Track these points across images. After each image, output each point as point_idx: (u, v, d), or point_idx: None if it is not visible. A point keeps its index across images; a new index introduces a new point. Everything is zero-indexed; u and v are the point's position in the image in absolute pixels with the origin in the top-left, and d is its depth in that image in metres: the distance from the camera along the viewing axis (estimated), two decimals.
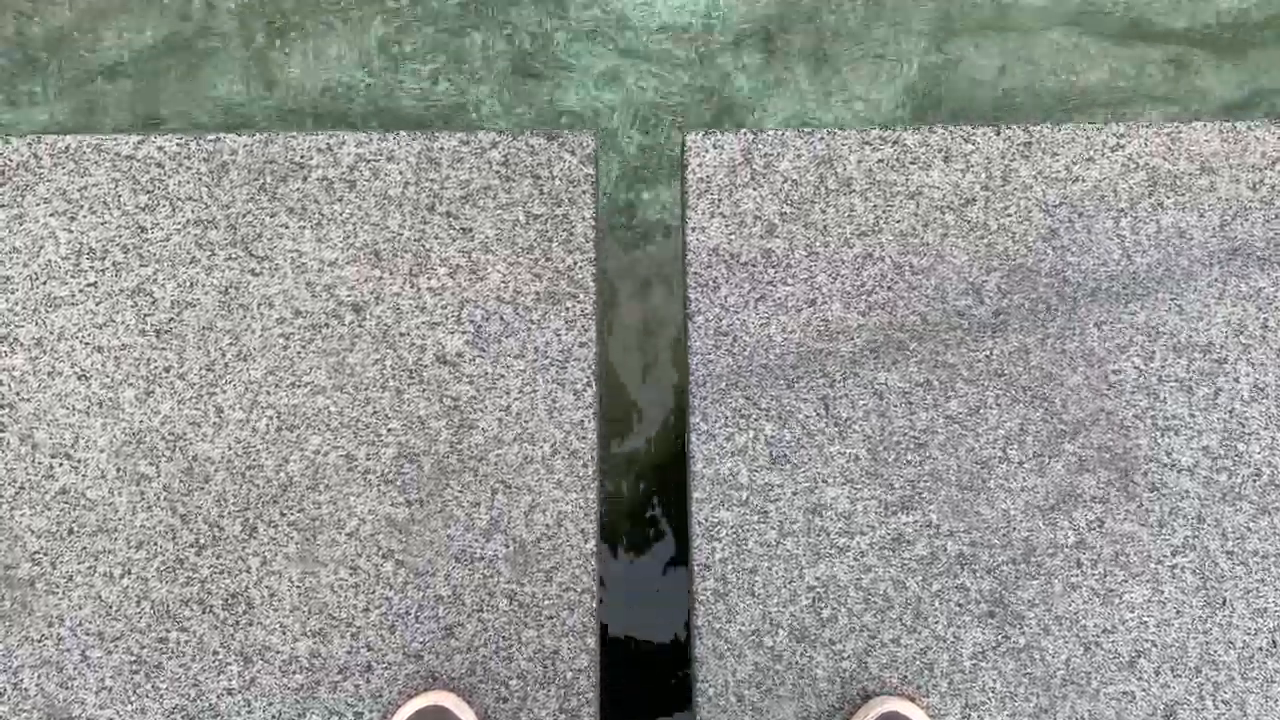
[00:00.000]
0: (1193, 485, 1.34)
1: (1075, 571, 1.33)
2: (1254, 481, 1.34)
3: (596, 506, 1.35)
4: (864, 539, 1.34)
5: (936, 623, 1.32)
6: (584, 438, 1.37)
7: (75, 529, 1.34)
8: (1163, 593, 1.32)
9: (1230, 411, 1.36)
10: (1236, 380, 1.37)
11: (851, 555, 1.33)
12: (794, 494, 1.35)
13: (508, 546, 1.34)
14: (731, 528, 1.34)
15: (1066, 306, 1.39)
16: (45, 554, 1.34)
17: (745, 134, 1.44)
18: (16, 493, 1.35)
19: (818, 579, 1.33)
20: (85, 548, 1.34)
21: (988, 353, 1.38)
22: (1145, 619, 1.32)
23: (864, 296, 1.40)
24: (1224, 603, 1.32)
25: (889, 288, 1.40)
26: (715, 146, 1.44)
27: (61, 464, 1.36)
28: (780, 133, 1.44)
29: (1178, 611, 1.32)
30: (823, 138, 1.44)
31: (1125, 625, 1.32)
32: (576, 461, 1.36)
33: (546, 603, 1.33)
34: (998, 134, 1.43)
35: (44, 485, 1.35)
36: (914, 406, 1.37)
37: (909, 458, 1.36)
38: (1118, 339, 1.38)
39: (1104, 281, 1.39)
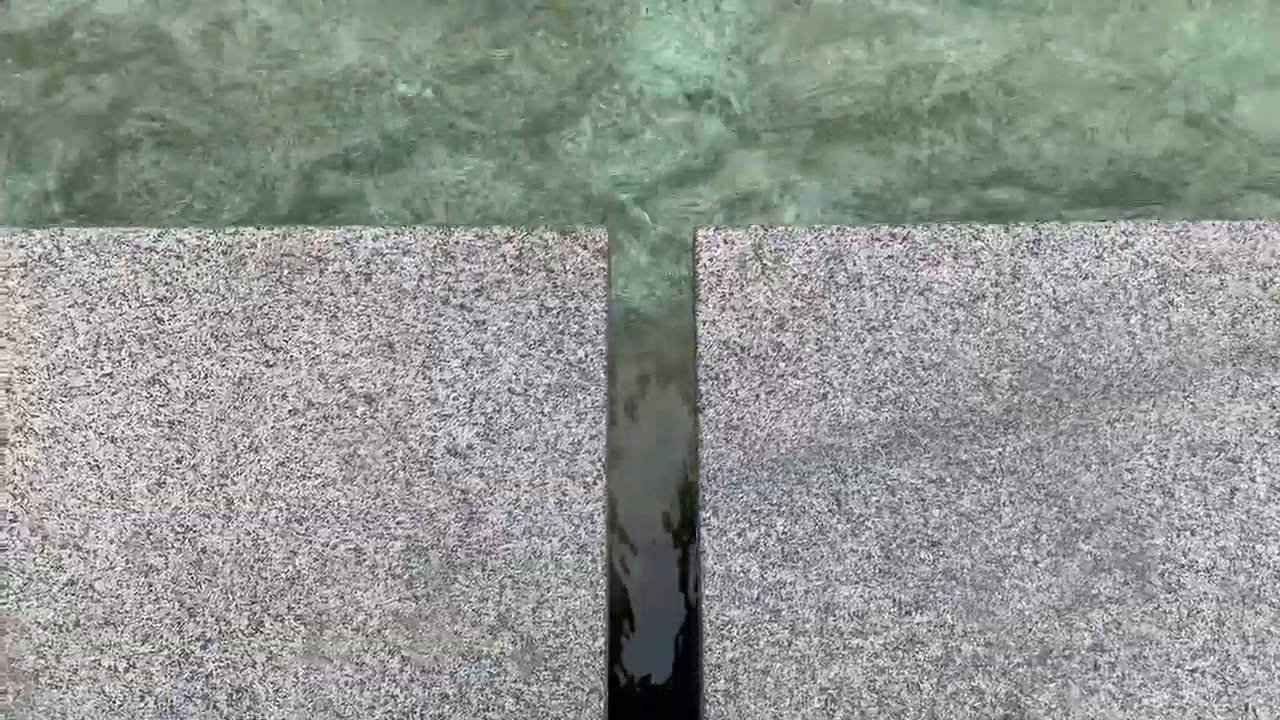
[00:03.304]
0: (1211, 587, 1.32)
1: (1093, 674, 1.30)
2: (1274, 584, 1.32)
3: (606, 603, 1.34)
4: (877, 639, 1.32)
5: None
6: (593, 532, 1.36)
7: (82, 621, 1.34)
8: (1183, 697, 1.30)
9: (1247, 511, 1.35)
10: (1253, 479, 1.36)
11: (865, 656, 1.31)
12: (806, 592, 1.33)
13: (515, 644, 1.32)
14: (742, 626, 1.32)
15: (1079, 403, 1.38)
16: (50, 647, 1.33)
17: (755, 229, 1.46)
18: (24, 583, 1.35)
19: (830, 680, 1.30)
20: (91, 640, 1.33)
21: (1000, 449, 1.37)
22: None
23: (875, 391, 1.40)
24: (1247, 709, 1.29)
25: (900, 383, 1.40)
26: (725, 241, 1.45)
27: (70, 555, 1.36)
28: (790, 229, 1.46)
29: (1199, 718, 1.29)
30: (832, 234, 1.45)
31: None
32: (585, 556, 1.35)
33: (554, 702, 1.31)
34: (1006, 231, 1.45)
35: (52, 576, 1.35)
36: (927, 503, 1.36)
37: (922, 556, 1.34)
38: (1131, 437, 1.37)
39: (1116, 379, 1.39)
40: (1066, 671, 1.30)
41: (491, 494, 1.37)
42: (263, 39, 2.08)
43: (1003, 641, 1.31)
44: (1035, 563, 1.34)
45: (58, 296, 1.44)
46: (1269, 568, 1.33)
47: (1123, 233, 1.44)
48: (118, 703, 1.31)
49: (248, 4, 2.09)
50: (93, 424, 1.39)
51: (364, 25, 2.09)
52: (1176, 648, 1.31)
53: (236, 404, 1.40)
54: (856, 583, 1.33)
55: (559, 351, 1.42)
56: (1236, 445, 1.37)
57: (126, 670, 1.32)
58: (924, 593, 1.33)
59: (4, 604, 1.34)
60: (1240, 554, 1.33)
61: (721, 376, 1.41)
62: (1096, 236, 1.44)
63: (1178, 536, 1.34)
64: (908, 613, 1.32)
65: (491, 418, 1.40)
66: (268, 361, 1.41)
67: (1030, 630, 1.32)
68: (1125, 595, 1.33)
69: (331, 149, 2.03)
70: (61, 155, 2.01)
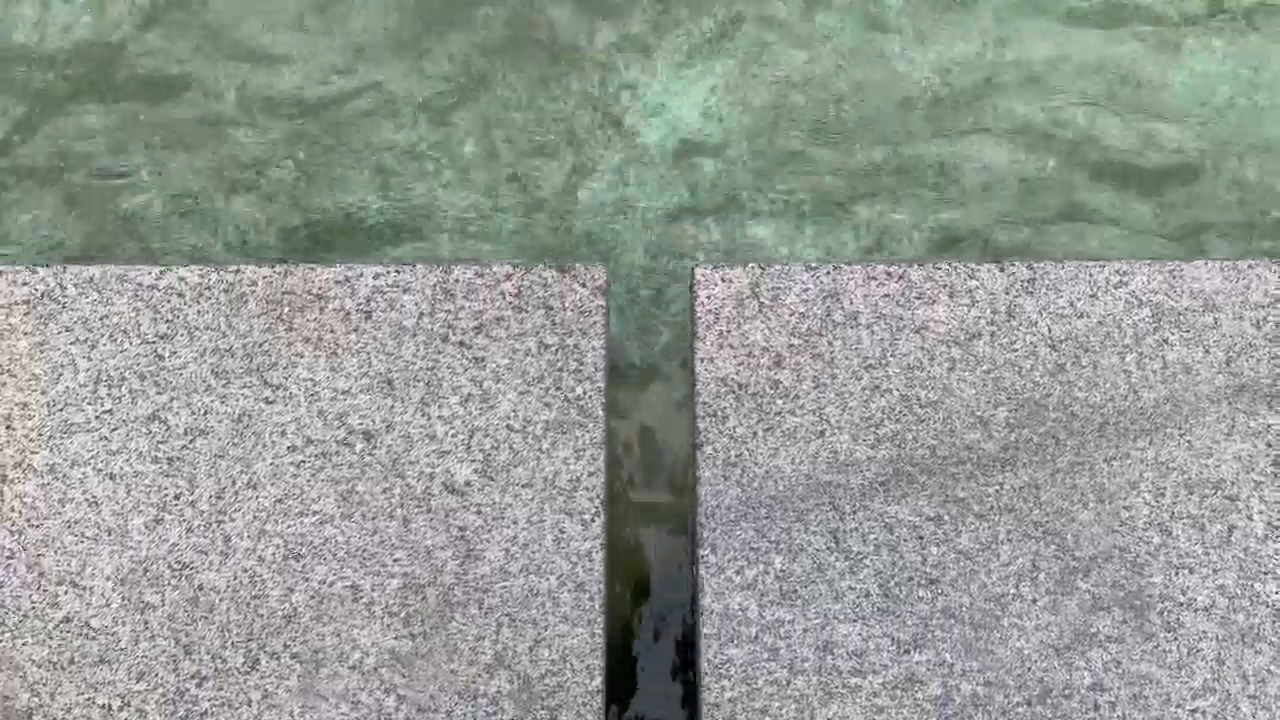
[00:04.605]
0: (1210, 625, 1.32)
1: (1093, 714, 1.29)
2: (1273, 622, 1.32)
3: (603, 642, 1.33)
4: (876, 678, 1.31)
5: None
6: (591, 570, 1.36)
7: (76, 659, 1.33)
8: None
9: (1245, 550, 1.35)
10: (1250, 518, 1.36)
11: (864, 695, 1.30)
12: (805, 631, 1.33)
13: (512, 683, 1.31)
14: (741, 665, 1.32)
15: (1075, 441, 1.39)
16: (44, 684, 1.32)
17: (753, 267, 1.47)
18: (20, 620, 1.34)
19: None
20: (85, 679, 1.32)
21: (997, 487, 1.38)
22: None
23: (872, 429, 1.40)
24: None
25: (897, 420, 1.41)
26: (723, 279, 1.47)
27: (67, 592, 1.35)
28: (786, 266, 1.47)
29: None
30: (829, 271, 1.47)
31: None
32: (583, 595, 1.35)
33: None
34: (1001, 270, 1.46)
35: (48, 614, 1.35)
36: (925, 541, 1.36)
37: (920, 594, 1.34)
38: (1128, 474, 1.38)
39: (1112, 417, 1.40)
40: (1066, 711, 1.30)
41: (489, 531, 1.37)
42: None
43: (1002, 680, 1.31)
44: (1034, 601, 1.34)
45: (59, 333, 1.44)
46: (1268, 606, 1.33)
47: (1117, 272, 1.46)
48: None
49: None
50: (92, 460, 1.40)
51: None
52: (1177, 687, 1.30)
53: (235, 441, 1.40)
54: (855, 621, 1.33)
55: (558, 388, 1.43)
56: (1233, 483, 1.37)
57: (121, 709, 1.31)
58: (923, 631, 1.33)
59: None
60: (1239, 592, 1.33)
61: (719, 413, 1.41)
62: (1090, 275, 1.45)
63: (1176, 575, 1.34)
64: (906, 651, 1.32)
65: (490, 454, 1.40)
66: (267, 398, 1.42)
67: (1029, 669, 1.31)
68: (1124, 634, 1.32)
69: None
70: None
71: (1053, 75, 2.07)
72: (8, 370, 1.43)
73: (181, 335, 1.44)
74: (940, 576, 1.35)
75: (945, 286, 1.45)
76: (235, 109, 2.09)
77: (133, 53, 2.11)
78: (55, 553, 1.36)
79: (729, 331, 1.44)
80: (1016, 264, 1.46)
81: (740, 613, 1.33)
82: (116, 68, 2.10)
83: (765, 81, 2.08)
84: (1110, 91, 2.07)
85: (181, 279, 1.46)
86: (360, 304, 1.45)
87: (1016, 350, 1.42)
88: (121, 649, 1.33)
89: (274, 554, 1.36)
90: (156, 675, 1.32)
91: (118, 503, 1.38)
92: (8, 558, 1.36)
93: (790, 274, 1.46)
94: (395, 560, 1.36)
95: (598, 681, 1.31)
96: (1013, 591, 1.34)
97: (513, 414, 1.42)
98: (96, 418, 1.41)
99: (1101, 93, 2.07)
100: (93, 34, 2.12)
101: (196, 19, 2.13)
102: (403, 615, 1.34)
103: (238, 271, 1.47)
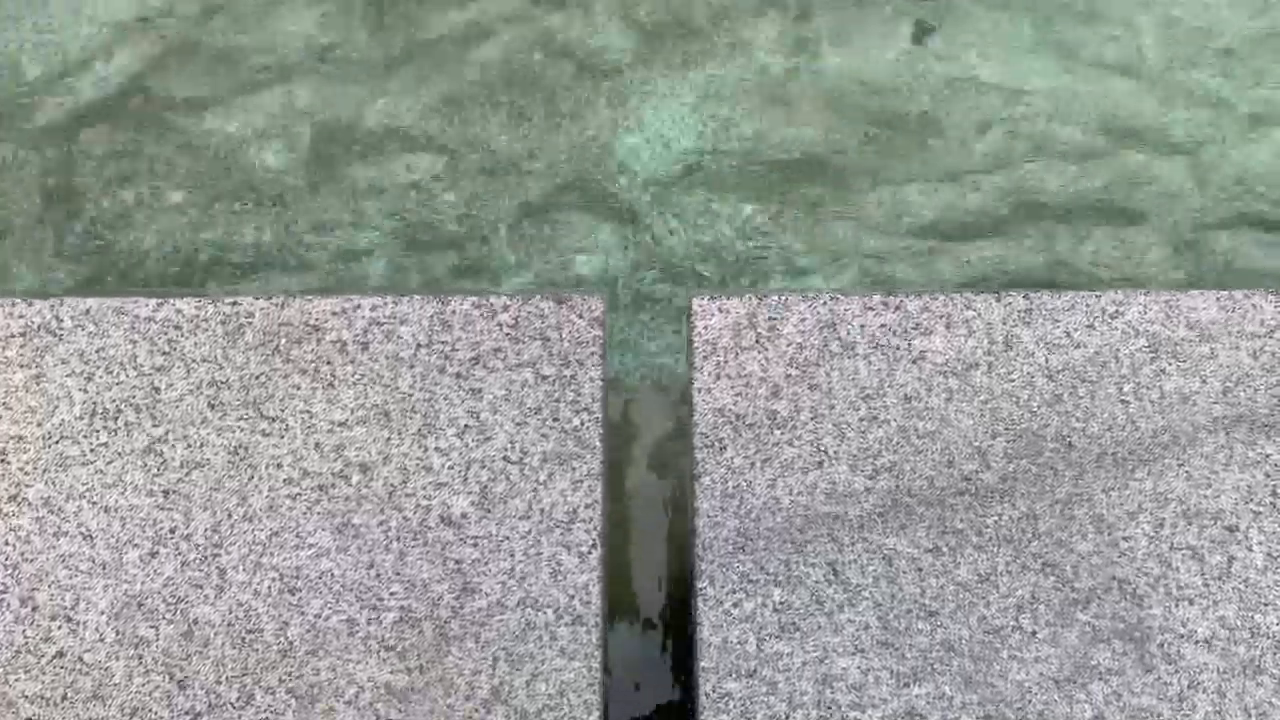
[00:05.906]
0: (1211, 658, 1.31)
1: None
2: (1274, 654, 1.31)
3: (600, 676, 1.32)
4: (876, 712, 1.30)
5: None
6: (588, 603, 1.35)
7: (70, 695, 1.32)
8: None
9: (1245, 581, 1.34)
10: (1250, 549, 1.35)
11: None
12: (804, 664, 1.32)
13: (508, 718, 1.30)
14: (739, 699, 1.30)
15: (1073, 472, 1.39)
16: None
17: (750, 298, 1.47)
18: (13, 656, 1.33)
19: None
20: (79, 714, 1.31)
21: (996, 518, 1.37)
22: None
23: (870, 459, 1.40)
24: None
25: (895, 451, 1.40)
26: (720, 310, 1.47)
27: (60, 626, 1.34)
28: (784, 297, 1.47)
29: None
30: (825, 302, 1.47)
31: None
32: (580, 628, 1.34)
33: None
34: (998, 300, 1.46)
35: (41, 649, 1.33)
36: (924, 573, 1.35)
37: (920, 626, 1.33)
38: (1126, 505, 1.37)
39: (1110, 447, 1.40)
40: None
41: (486, 564, 1.37)
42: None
43: (1002, 714, 1.30)
44: (1034, 633, 1.33)
45: (56, 366, 1.44)
46: (1269, 638, 1.32)
47: (1113, 302, 1.46)
48: None
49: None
50: (87, 493, 1.39)
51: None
52: None
53: (231, 473, 1.40)
54: (854, 654, 1.32)
55: (555, 419, 1.43)
56: (1232, 514, 1.37)
57: None
58: (922, 664, 1.32)
59: None
60: (1239, 624, 1.32)
61: (717, 444, 1.41)
62: (1087, 306, 1.46)
63: (1176, 606, 1.33)
64: (906, 684, 1.31)
65: (487, 486, 1.40)
66: (264, 430, 1.41)
67: (1030, 702, 1.30)
68: (1125, 666, 1.31)
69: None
70: None
71: None
72: (3, 403, 1.43)
73: (178, 367, 1.44)
74: (939, 608, 1.34)
75: (942, 317, 1.45)
76: None
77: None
78: (49, 587, 1.36)
79: (726, 362, 1.44)
80: (1013, 294, 1.47)
81: (738, 646, 1.33)
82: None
83: None
84: None
85: (178, 311, 1.46)
86: (357, 335, 1.45)
87: (1014, 381, 1.42)
88: (115, 684, 1.32)
89: (269, 587, 1.36)
90: (150, 711, 1.31)
91: (113, 536, 1.37)
92: (1, 592, 1.35)
93: (787, 304, 1.47)
94: (391, 594, 1.35)
95: (595, 717, 1.30)
96: (1012, 623, 1.33)
97: (510, 445, 1.41)
98: (92, 450, 1.40)
99: None
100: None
101: None
102: (399, 649, 1.33)
103: (234, 304, 1.47)
